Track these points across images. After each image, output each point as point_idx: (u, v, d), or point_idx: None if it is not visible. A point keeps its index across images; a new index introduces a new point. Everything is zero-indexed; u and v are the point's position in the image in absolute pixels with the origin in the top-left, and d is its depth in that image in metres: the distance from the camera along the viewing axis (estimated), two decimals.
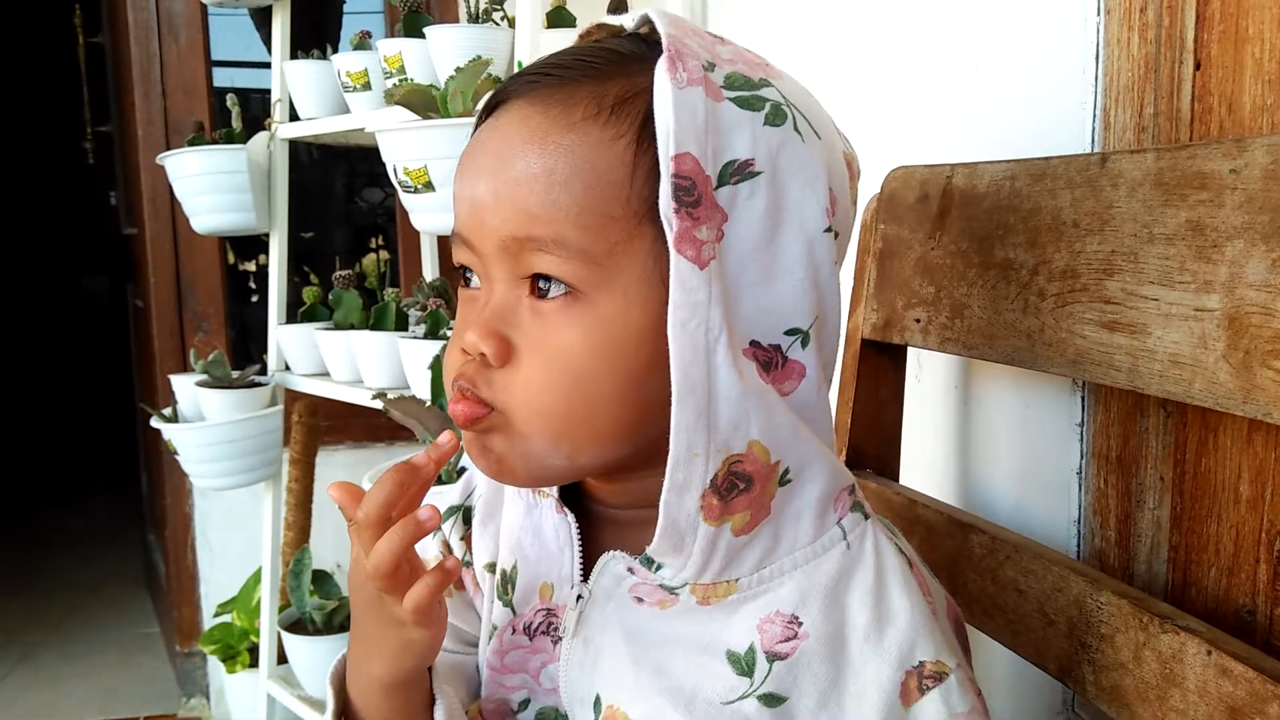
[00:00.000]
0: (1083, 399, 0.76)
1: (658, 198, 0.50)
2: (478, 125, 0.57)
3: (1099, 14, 0.73)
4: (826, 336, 0.55)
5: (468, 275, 0.57)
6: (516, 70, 1.35)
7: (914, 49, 0.94)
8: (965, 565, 0.76)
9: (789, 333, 0.53)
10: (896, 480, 0.88)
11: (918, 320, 0.81)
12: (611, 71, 0.53)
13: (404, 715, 0.60)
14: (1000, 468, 0.86)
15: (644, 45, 0.54)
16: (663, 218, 0.50)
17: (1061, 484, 0.78)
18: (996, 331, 0.72)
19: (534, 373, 0.53)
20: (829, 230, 0.54)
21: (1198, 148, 0.57)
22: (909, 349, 0.85)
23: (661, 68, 0.50)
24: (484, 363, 0.54)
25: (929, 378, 0.93)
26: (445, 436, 0.55)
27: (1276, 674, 0.52)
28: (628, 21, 0.56)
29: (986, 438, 0.88)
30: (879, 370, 0.89)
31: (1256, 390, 0.53)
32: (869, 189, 0.86)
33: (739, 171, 0.51)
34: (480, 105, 0.58)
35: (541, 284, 0.53)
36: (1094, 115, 0.73)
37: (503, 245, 0.53)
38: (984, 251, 0.73)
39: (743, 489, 0.53)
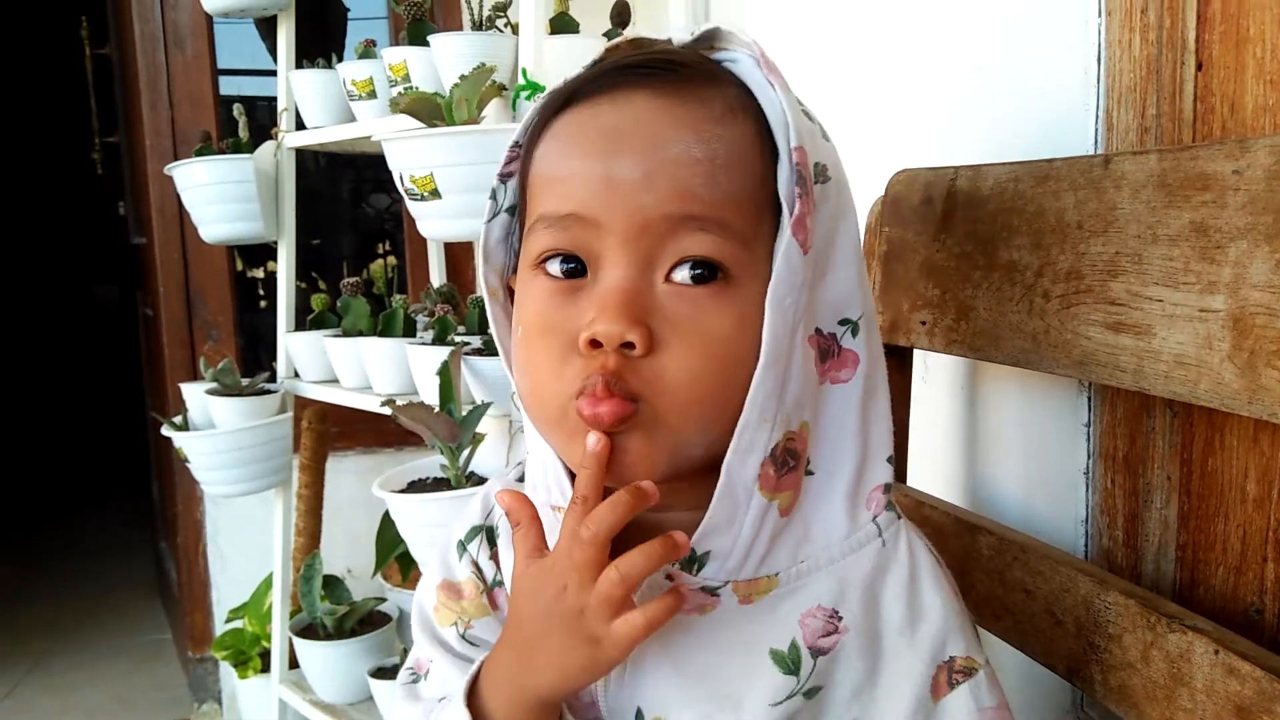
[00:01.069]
0: (1089, 399, 0.77)
1: (776, 189, 0.53)
2: (552, 116, 0.56)
3: (1100, 15, 0.73)
4: (872, 330, 0.58)
5: (560, 262, 0.54)
6: (523, 76, 1.36)
7: (916, 52, 0.94)
8: (973, 566, 0.76)
9: (842, 322, 0.57)
10: (904, 482, 0.88)
11: (923, 322, 0.81)
12: (717, 73, 0.56)
13: None
14: (1007, 468, 0.86)
15: (701, 55, 0.57)
16: (783, 200, 0.53)
17: (1069, 484, 0.79)
18: (1002, 333, 0.73)
19: (689, 360, 0.52)
20: (860, 238, 0.58)
21: (1200, 149, 0.57)
22: (915, 351, 0.85)
23: (758, 72, 0.55)
24: (622, 355, 0.52)
25: (935, 379, 0.93)
26: (594, 439, 0.52)
27: None
28: (677, 35, 0.58)
29: (993, 439, 0.88)
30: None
31: (1262, 391, 0.53)
32: (873, 192, 0.86)
33: (822, 174, 0.55)
34: (497, 108, 0.58)
35: (689, 269, 0.52)
36: (1097, 116, 0.73)
37: (649, 225, 0.52)
38: (988, 253, 0.73)
39: (792, 466, 0.55)
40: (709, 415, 0.53)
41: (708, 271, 0.52)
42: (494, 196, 0.61)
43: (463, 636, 0.67)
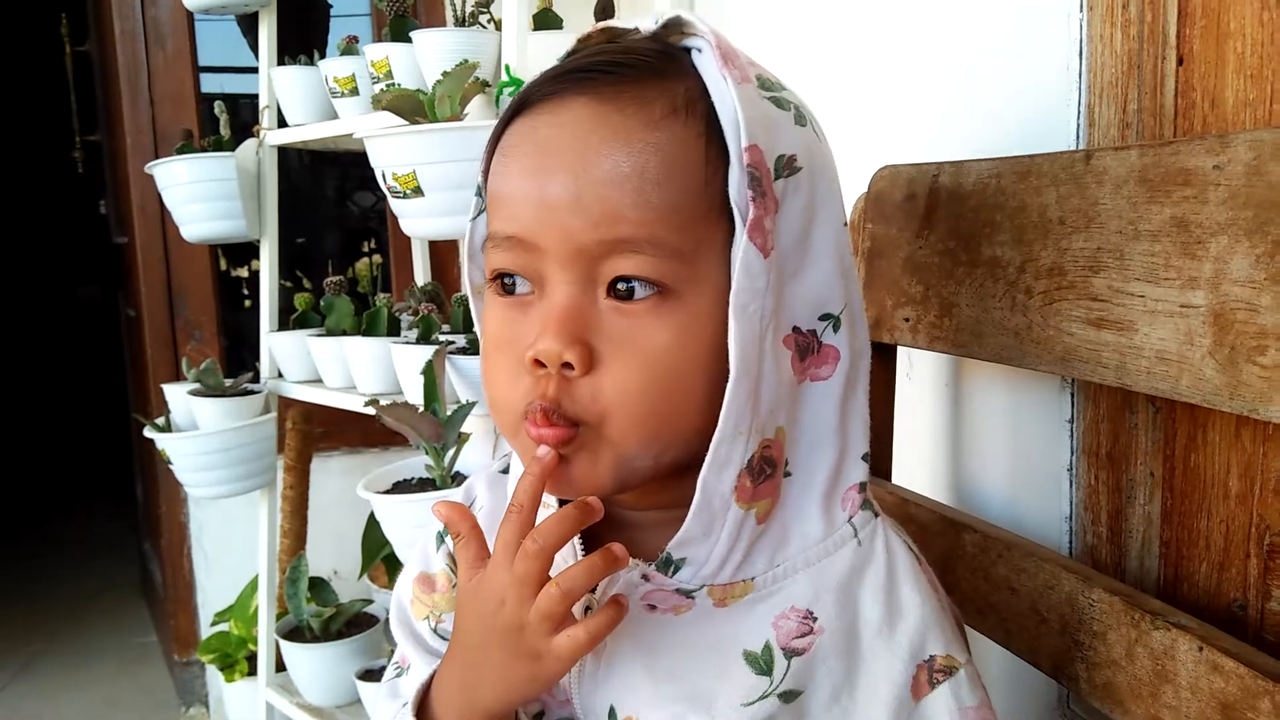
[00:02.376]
0: (1072, 395, 0.76)
1: (727, 190, 0.52)
2: (507, 124, 0.56)
3: (1082, 10, 0.73)
4: (856, 323, 0.57)
5: (508, 281, 0.55)
6: (506, 73, 1.35)
7: (899, 48, 0.94)
8: (958, 564, 0.76)
9: (823, 318, 0.56)
10: (888, 479, 0.88)
11: (907, 319, 0.81)
12: (668, 69, 0.53)
13: None
14: (991, 465, 0.86)
15: (666, 46, 0.55)
16: (734, 206, 0.52)
17: (1052, 481, 0.78)
18: (985, 330, 0.72)
19: (628, 377, 0.52)
20: (845, 224, 0.57)
21: (1181, 144, 0.57)
22: (899, 348, 0.84)
23: (715, 64, 0.52)
24: (562, 377, 0.52)
25: (919, 376, 0.93)
26: (543, 449, 0.53)
27: (1267, 670, 0.52)
28: (645, 24, 0.56)
29: (977, 435, 0.88)
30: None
31: (1242, 386, 0.53)
32: (856, 188, 0.86)
33: (788, 166, 0.53)
34: (480, 105, 0.57)
35: (621, 285, 0.52)
36: (1079, 112, 0.73)
37: (583, 248, 0.51)
38: (971, 250, 0.73)
39: (769, 474, 0.54)
40: (652, 431, 0.53)
41: (643, 288, 0.52)
42: (479, 194, 0.60)
43: (435, 630, 0.66)
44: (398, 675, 0.68)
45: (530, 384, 0.53)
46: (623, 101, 0.52)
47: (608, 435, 0.52)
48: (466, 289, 0.63)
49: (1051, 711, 0.81)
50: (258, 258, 1.86)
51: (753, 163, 0.51)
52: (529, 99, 0.55)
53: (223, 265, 2.75)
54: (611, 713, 0.57)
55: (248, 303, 3.02)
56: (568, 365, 0.52)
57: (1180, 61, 0.65)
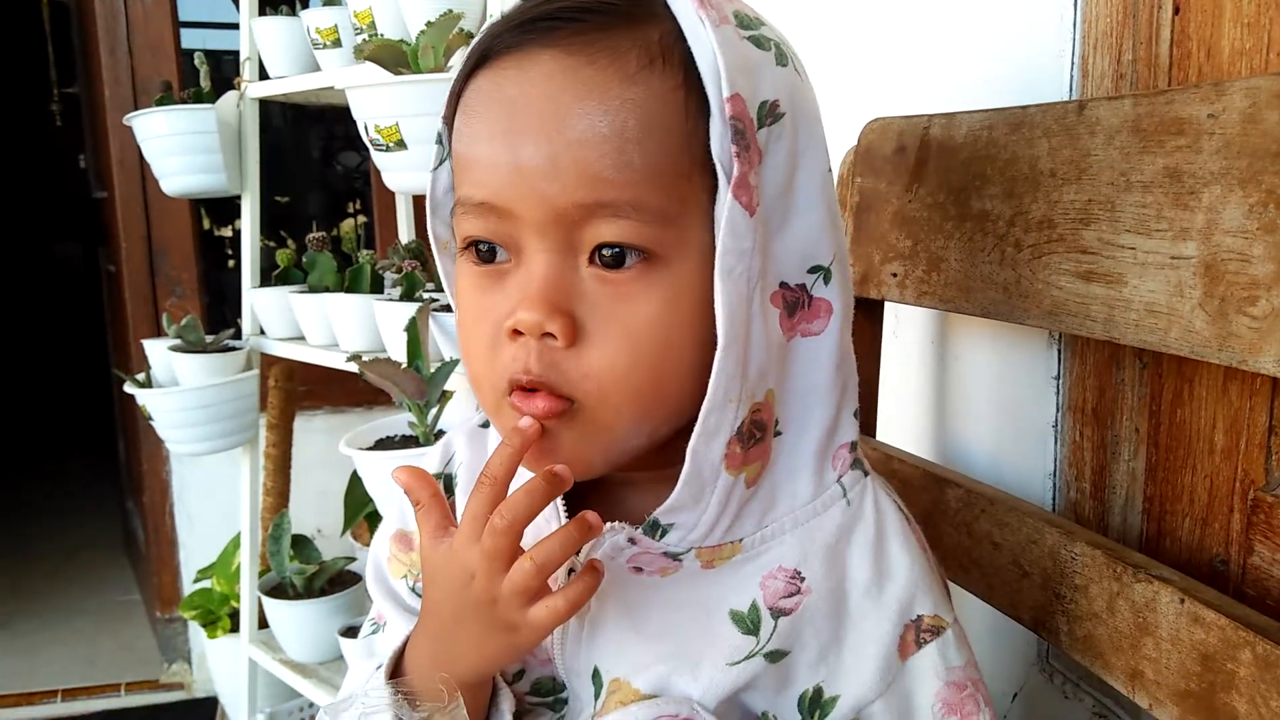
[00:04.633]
0: (1059, 352, 0.76)
1: (708, 144, 0.49)
2: (468, 77, 0.52)
3: None
4: (845, 273, 0.55)
5: (482, 248, 0.52)
6: (491, 22, 1.32)
7: None
8: (941, 519, 0.76)
9: (812, 270, 0.53)
10: (873, 436, 0.88)
11: (894, 274, 0.80)
12: (637, 13, 0.50)
13: (471, 708, 0.56)
14: (977, 423, 0.86)
15: None
16: (718, 163, 0.49)
17: (1038, 437, 0.78)
18: (973, 284, 0.72)
19: (617, 352, 0.49)
20: (829, 169, 0.54)
21: (1175, 93, 0.56)
22: (886, 303, 0.84)
23: (690, 6, 0.49)
24: (546, 346, 0.50)
25: (906, 333, 0.93)
26: (527, 421, 0.51)
27: (1248, 621, 0.52)
28: None
29: (963, 393, 0.87)
30: (855, 325, 0.87)
31: (1232, 338, 0.52)
32: (846, 141, 0.84)
33: (771, 113, 0.50)
34: (462, 56, 0.54)
35: (607, 253, 0.49)
36: (1072, 63, 0.72)
37: (562, 214, 0.48)
38: (961, 203, 0.72)
39: (759, 438, 0.53)
40: (645, 409, 0.51)
41: (631, 255, 0.49)
42: (440, 141, 0.57)
43: (412, 589, 0.66)
44: (374, 632, 0.67)
45: (510, 355, 0.51)
46: (594, 53, 0.48)
47: (601, 416, 0.51)
48: (433, 244, 0.60)
49: (1030, 666, 0.82)
50: (240, 217, 1.84)
51: (735, 114, 0.48)
52: (490, 51, 0.51)
53: (206, 224, 2.72)
54: (595, 673, 0.57)
55: (231, 263, 2.99)
56: (549, 336, 0.49)
57: (1176, 10, 0.64)
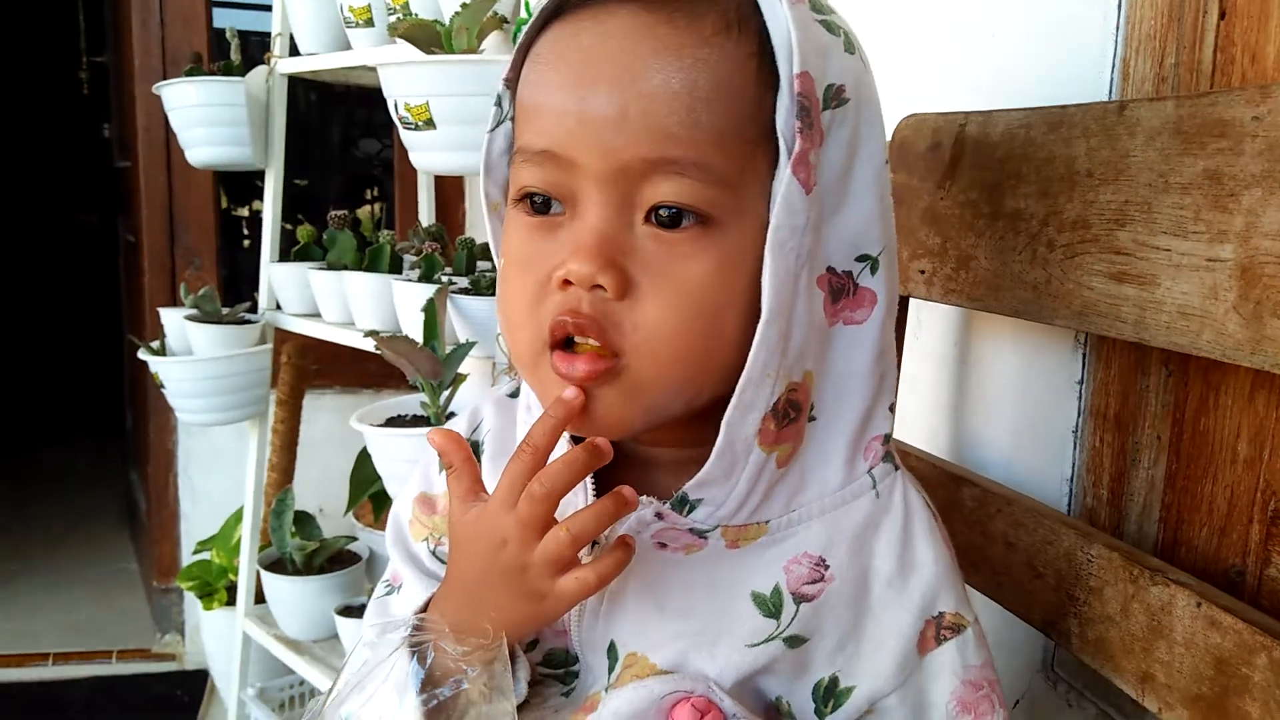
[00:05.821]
0: (1084, 356, 0.76)
1: (773, 118, 0.49)
2: (541, 29, 0.53)
3: None
4: (892, 266, 0.55)
5: (537, 200, 0.52)
6: (525, 9, 1.32)
7: None
8: (955, 518, 0.75)
9: (860, 259, 0.54)
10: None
11: (922, 271, 0.80)
12: None
13: None
14: (996, 425, 0.86)
15: None
16: (780, 137, 0.49)
17: (1057, 442, 0.78)
18: (1002, 283, 0.72)
19: (667, 309, 0.49)
20: (886, 161, 0.55)
21: (1219, 95, 0.56)
22: (911, 301, 0.84)
23: None
24: (597, 297, 0.49)
25: (928, 334, 0.92)
26: (571, 392, 0.50)
27: (1266, 626, 0.52)
28: None
29: (983, 395, 0.87)
30: None
31: (1266, 341, 0.52)
32: None
33: (836, 97, 0.51)
34: (497, 40, 0.54)
35: (664, 212, 0.49)
36: (1113, 65, 0.71)
37: (625, 167, 0.49)
38: (994, 201, 0.72)
39: (793, 418, 0.53)
40: (689, 373, 0.51)
41: (688, 217, 0.49)
42: (499, 103, 0.58)
43: (433, 553, 0.65)
44: (388, 593, 0.67)
45: (557, 303, 0.50)
46: (672, 12, 0.49)
47: (643, 374, 0.50)
48: (482, 204, 0.61)
49: (1034, 673, 0.81)
50: (259, 198, 1.84)
51: (803, 91, 0.49)
52: (566, 4, 0.52)
53: (224, 204, 2.73)
54: (612, 647, 0.57)
55: (247, 242, 3.00)
56: (599, 288, 0.49)
57: (1223, 15, 0.64)
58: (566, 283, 0.50)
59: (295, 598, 1.74)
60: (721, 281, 0.50)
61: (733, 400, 0.50)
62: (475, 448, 0.65)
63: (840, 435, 0.55)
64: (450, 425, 0.66)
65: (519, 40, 0.56)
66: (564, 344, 0.51)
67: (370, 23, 1.54)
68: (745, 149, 0.50)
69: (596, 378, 0.50)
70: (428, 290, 1.38)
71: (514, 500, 0.51)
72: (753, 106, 0.50)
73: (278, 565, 1.77)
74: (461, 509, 0.54)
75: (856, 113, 0.52)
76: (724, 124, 0.49)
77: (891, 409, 0.57)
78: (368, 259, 1.61)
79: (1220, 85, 0.64)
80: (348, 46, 1.60)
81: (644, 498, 0.53)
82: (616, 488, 0.51)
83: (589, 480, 0.56)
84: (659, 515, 0.54)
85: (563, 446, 0.56)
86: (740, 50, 0.49)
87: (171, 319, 1.74)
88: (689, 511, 0.54)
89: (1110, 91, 0.72)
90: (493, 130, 0.58)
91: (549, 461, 0.52)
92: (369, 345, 1.39)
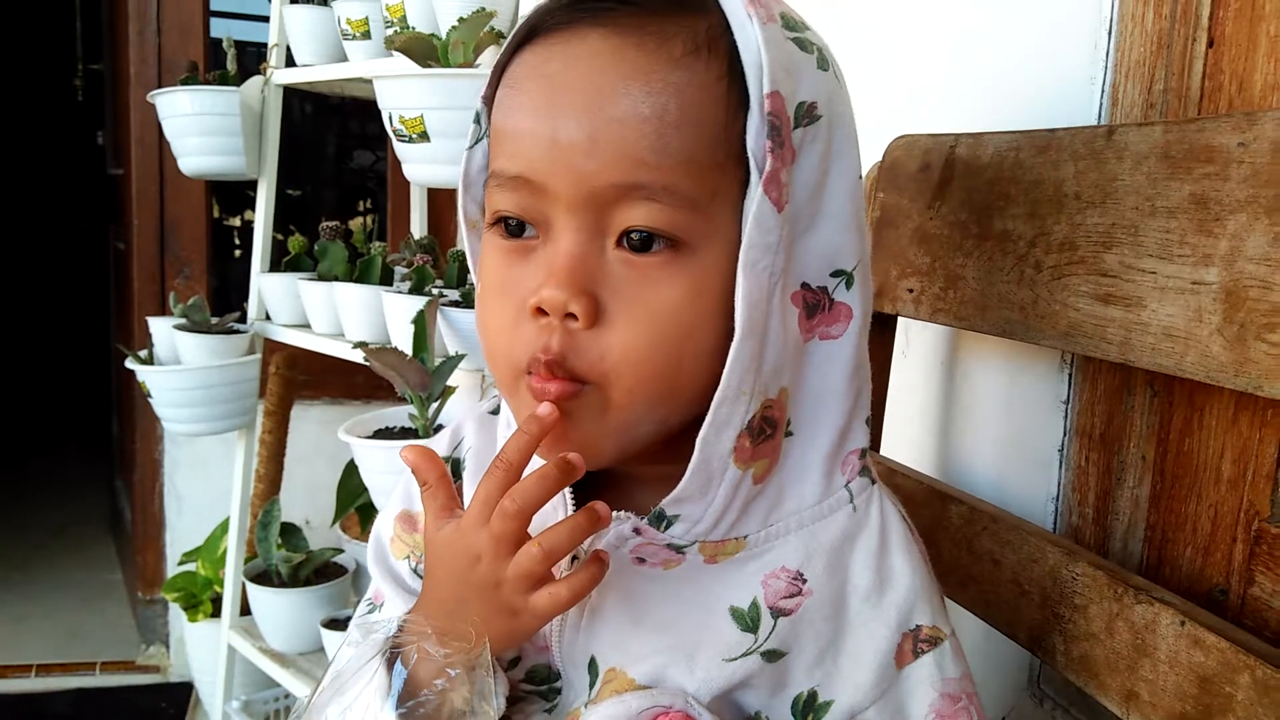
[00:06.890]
0: (1070, 376, 0.76)
1: (744, 138, 0.49)
2: (515, 51, 0.53)
3: None
4: (866, 280, 0.55)
5: (511, 223, 0.53)
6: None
7: (924, 16, 0.93)
8: (942, 535, 0.76)
9: (835, 274, 0.54)
10: (877, 451, 0.88)
11: (910, 290, 0.81)
12: (688, 4, 0.51)
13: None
14: (982, 444, 0.86)
15: None
16: (751, 156, 0.50)
17: (1043, 461, 0.79)
18: (989, 303, 0.72)
19: (637, 337, 0.50)
20: (860, 176, 0.55)
21: (1207, 121, 0.57)
22: (899, 320, 0.84)
23: (739, 1, 0.50)
24: (566, 328, 0.50)
25: (916, 352, 0.93)
26: (546, 408, 0.51)
27: (1249, 645, 0.52)
28: None
29: (970, 414, 0.88)
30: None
31: (1249, 363, 0.53)
32: (870, 157, 0.85)
33: (808, 114, 0.51)
34: (492, 54, 0.54)
35: (635, 236, 0.49)
36: (1102, 91, 0.72)
37: (595, 193, 0.49)
38: (982, 222, 0.73)
39: (769, 435, 0.53)
40: (659, 394, 0.51)
41: (658, 241, 0.50)
42: (477, 120, 0.58)
43: (415, 571, 0.65)
44: (370, 611, 0.67)
45: (532, 334, 0.51)
46: (642, 36, 0.49)
47: (614, 398, 0.51)
48: (460, 222, 0.61)
49: (1020, 690, 0.81)
50: (251, 208, 1.84)
51: (774, 110, 0.49)
52: (539, 27, 0.52)
53: (216, 213, 2.73)
54: (592, 663, 0.57)
55: (238, 252, 3.00)
56: (571, 316, 0.50)
57: (1210, 43, 0.65)
58: (539, 311, 0.50)
59: (281, 610, 1.73)
60: (693, 304, 0.50)
61: (708, 418, 0.51)
62: (456, 465, 0.65)
63: (817, 450, 0.55)
64: (432, 443, 0.67)
65: (495, 61, 0.56)
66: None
67: (367, 35, 1.55)
68: (715, 171, 0.50)
69: (568, 399, 0.51)
70: (418, 302, 1.39)
71: (487, 516, 0.51)
72: (722, 129, 0.50)
73: (263, 577, 1.77)
74: (436, 525, 0.54)
75: (829, 129, 0.52)
76: (694, 148, 0.49)
77: (867, 422, 0.57)
78: (359, 270, 1.62)
79: (1207, 112, 0.65)
80: (344, 58, 1.61)
81: (621, 513, 0.54)
82: (590, 503, 0.51)
83: (568, 496, 0.56)
84: (636, 531, 0.54)
85: (538, 463, 0.57)
86: (710, 72, 0.50)
87: (160, 328, 1.73)
88: (666, 527, 0.54)
89: (1099, 116, 0.73)
90: (471, 147, 0.58)
91: (523, 477, 0.52)
92: (358, 357, 1.39)
